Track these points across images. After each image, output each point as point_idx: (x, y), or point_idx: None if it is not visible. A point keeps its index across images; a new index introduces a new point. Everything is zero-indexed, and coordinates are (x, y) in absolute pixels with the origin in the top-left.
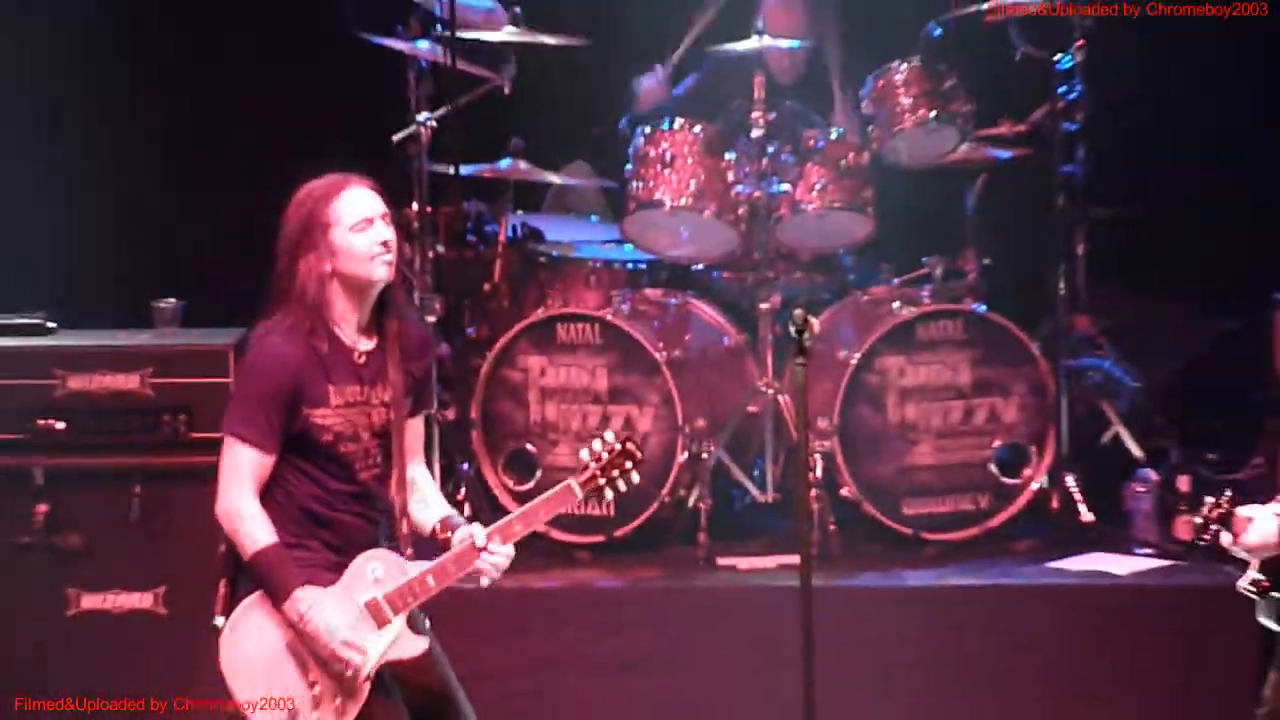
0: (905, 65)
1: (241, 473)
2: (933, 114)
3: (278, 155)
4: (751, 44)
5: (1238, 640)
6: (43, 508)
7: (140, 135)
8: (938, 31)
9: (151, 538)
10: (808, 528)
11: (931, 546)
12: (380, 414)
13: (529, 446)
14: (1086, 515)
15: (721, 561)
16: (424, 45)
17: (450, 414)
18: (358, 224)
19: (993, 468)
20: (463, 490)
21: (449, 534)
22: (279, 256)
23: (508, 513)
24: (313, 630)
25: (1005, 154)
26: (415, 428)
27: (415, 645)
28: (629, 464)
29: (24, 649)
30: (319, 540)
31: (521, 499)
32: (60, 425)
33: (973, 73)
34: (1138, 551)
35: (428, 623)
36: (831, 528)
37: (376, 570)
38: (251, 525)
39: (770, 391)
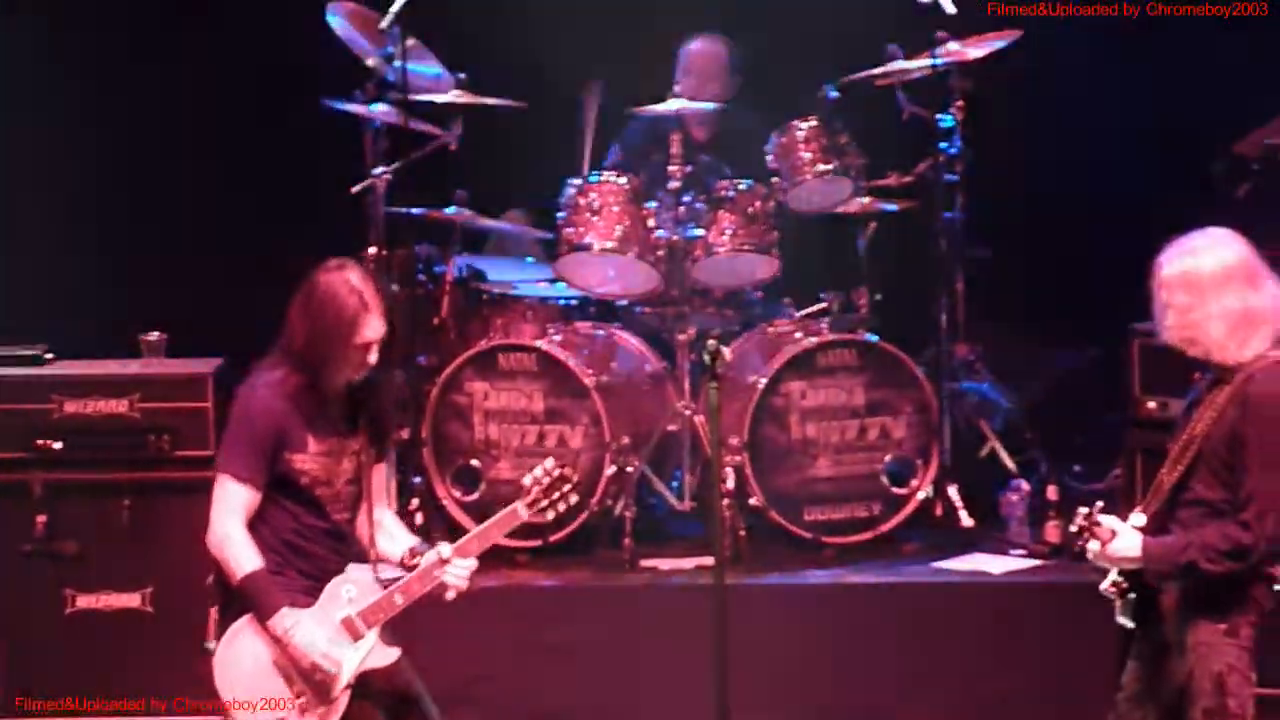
0: (805, 124)
1: (231, 505)
2: (830, 167)
3: (255, 211)
4: (670, 106)
5: (1099, 631)
6: (42, 518)
7: (127, 186)
8: (834, 94)
9: (139, 544)
10: (721, 533)
11: (830, 549)
12: (352, 461)
13: (474, 462)
14: (966, 521)
15: (645, 563)
16: (380, 107)
17: (404, 434)
18: (365, 345)
19: (884, 479)
20: (415, 501)
21: (416, 560)
22: (298, 326)
23: (455, 520)
24: (295, 646)
25: (892, 204)
26: (380, 473)
27: (387, 656)
28: (567, 487)
29: (27, 643)
30: (295, 569)
31: (467, 509)
32: (58, 444)
33: (865, 130)
34: (1012, 553)
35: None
36: (742, 533)
37: (350, 591)
38: (240, 551)
39: (687, 412)
